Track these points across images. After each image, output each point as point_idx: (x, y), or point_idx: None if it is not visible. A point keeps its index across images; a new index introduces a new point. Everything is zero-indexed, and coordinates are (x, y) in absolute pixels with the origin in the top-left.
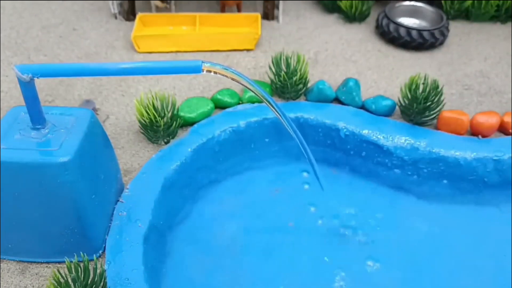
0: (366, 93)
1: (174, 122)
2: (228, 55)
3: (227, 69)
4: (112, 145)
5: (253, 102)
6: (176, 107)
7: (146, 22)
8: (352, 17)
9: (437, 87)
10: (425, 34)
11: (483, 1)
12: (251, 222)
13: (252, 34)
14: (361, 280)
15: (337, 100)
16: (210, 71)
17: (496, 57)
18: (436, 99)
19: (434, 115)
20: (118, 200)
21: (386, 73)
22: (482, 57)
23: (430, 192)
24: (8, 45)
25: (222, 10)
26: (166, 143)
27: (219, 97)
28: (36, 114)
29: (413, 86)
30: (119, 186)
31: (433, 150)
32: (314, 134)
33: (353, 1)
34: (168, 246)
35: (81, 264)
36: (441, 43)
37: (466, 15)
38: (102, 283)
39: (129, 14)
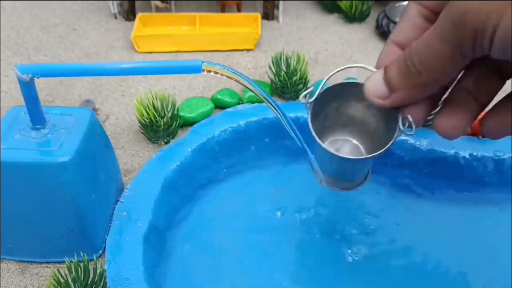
0: None
1: (174, 122)
2: (228, 55)
3: (227, 69)
4: (112, 145)
5: (253, 102)
6: (176, 107)
7: (146, 22)
8: (352, 17)
9: None
10: None
11: None
12: (251, 222)
13: (252, 34)
14: (361, 279)
15: None
16: (210, 71)
17: None
18: None
19: (434, 115)
20: (118, 200)
21: None
22: None
23: (430, 192)
24: (8, 45)
25: (222, 10)
26: (166, 143)
27: (219, 97)
28: (36, 114)
29: None
30: (119, 186)
31: (433, 150)
32: None
33: (353, 1)
34: (168, 246)
35: (81, 264)
36: None
37: None
38: (102, 283)
39: (129, 14)
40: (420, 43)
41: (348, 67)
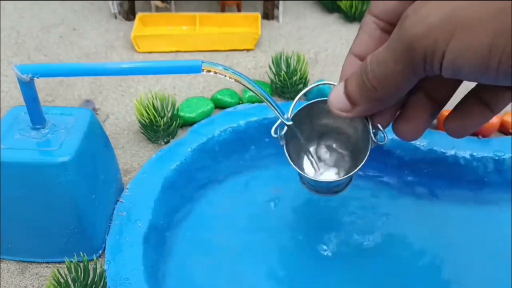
0: None
1: (174, 122)
2: (228, 55)
3: (227, 69)
4: (112, 145)
5: (253, 102)
6: (176, 107)
7: (146, 22)
8: (352, 17)
9: None
10: None
11: None
12: (251, 222)
13: (252, 34)
14: (361, 278)
15: None
16: (210, 71)
17: None
18: None
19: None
20: (118, 200)
21: None
22: None
23: (430, 192)
24: (8, 45)
25: (222, 10)
26: (166, 143)
27: (219, 97)
28: (36, 114)
29: None
30: (119, 186)
31: (433, 150)
32: None
33: (353, 1)
34: (168, 246)
35: (81, 264)
36: None
37: None
38: (102, 283)
39: (129, 14)
40: (374, 59)
41: (309, 89)
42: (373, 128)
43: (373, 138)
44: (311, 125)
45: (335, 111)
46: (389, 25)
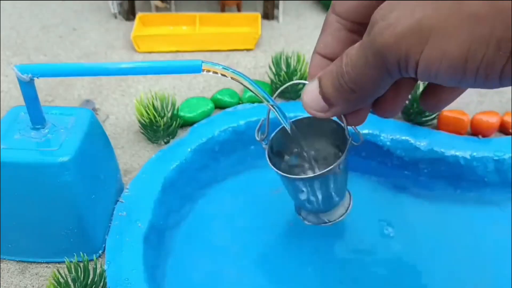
0: None
1: (174, 122)
2: (228, 55)
3: (227, 69)
4: (112, 145)
5: (253, 102)
6: (176, 107)
7: (146, 22)
8: None
9: None
10: None
11: None
12: (251, 222)
13: (252, 34)
14: (360, 279)
15: None
16: (210, 71)
17: None
18: None
19: (434, 115)
20: (118, 200)
21: None
22: None
23: (430, 192)
24: (8, 45)
25: (222, 10)
26: (166, 143)
27: (219, 97)
28: (36, 114)
29: None
30: (119, 186)
31: (433, 150)
32: None
33: None
34: (168, 246)
35: (81, 264)
36: None
37: None
38: (102, 283)
39: (129, 14)
40: (349, 62)
41: (284, 88)
42: (347, 128)
43: (347, 136)
44: (300, 150)
45: (311, 112)
46: (355, 24)
